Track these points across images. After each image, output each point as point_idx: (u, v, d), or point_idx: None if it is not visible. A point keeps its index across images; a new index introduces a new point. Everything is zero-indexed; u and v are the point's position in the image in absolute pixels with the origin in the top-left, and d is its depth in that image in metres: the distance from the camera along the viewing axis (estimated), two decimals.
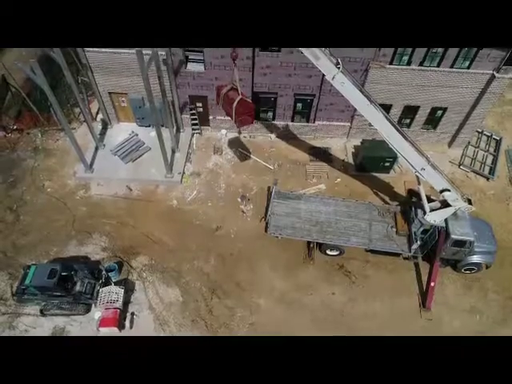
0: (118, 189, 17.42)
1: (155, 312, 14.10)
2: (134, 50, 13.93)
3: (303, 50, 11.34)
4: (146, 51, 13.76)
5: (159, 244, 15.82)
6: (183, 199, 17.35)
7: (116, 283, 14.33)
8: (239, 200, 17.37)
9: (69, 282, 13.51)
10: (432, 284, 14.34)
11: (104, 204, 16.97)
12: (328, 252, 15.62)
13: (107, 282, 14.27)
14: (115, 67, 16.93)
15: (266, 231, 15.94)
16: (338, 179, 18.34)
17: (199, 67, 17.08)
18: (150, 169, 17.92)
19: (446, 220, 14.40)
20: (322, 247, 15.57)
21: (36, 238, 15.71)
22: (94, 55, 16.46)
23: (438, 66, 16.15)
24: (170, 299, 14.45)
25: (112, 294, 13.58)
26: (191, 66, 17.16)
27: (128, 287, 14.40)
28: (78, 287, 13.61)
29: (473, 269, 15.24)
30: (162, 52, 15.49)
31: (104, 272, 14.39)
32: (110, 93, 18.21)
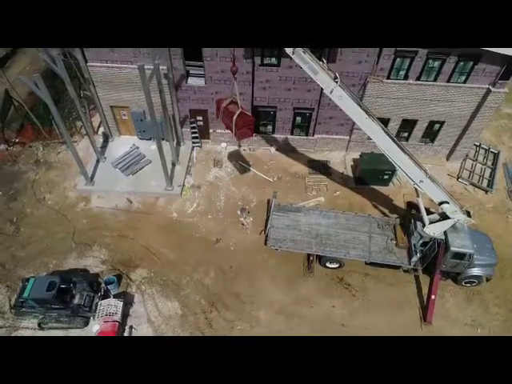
0: (118, 201, 17.48)
1: (154, 325, 13.99)
2: (135, 65, 14.21)
3: (302, 64, 11.59)
4: (148, 66, 14.03)
5: (159, 256, 15.79)
6: (183, 212, 17.39)
7: (115, 296, 14.26)
8: (239, 213, 17.42)
9: (67, 294, 13.46)
10: (433, 297, 14.27)
11: (104, 216, 17.01)
12: (328, 265, 15.59)
13: (106, 295, 14.20)
14: (117, 81, 17.21)
15: (265, 244, 15.93)
16: (338, 192, 18.43)
17: (200, 82, 17.37)
18: (151, 181, 18.02)
19: (445, 232, 14.44)
20: (321, 260, 15.55)
21: (35, 251, 15.70)
22: (96, 70, 16.76)
23: (435, 80, 16.43)
24: (169, 312, 14.35)
25: (111, 306, 13.49)
26: (192, 81, 17.45)
27: (127, 300, 14.32)
28: (76, 300, 13.53)
29: (473, 281, 15.19)
30: (163, 67, 15.78)
31: (103, 285, 14.34)
32: (111, 106, 18.46)
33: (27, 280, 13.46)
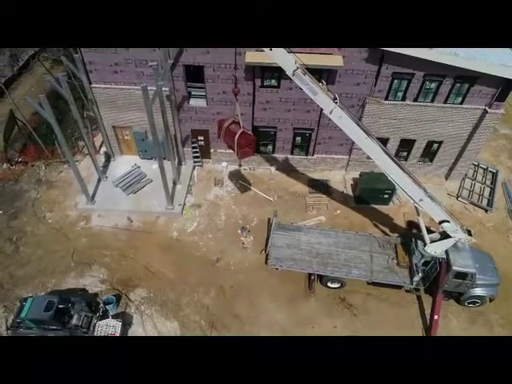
0: (118, 220, 17.48)
1: None
2: (139, 86, 14.53)
3: (302, 85, 11.85)
4: (151, 87, 14.34)
5: (158, 276, 15.67)
6: (183, 231, 17.37)
7: (114, 316, 14.05)
8: (239, 232, 17.40)
9: (65, 315, 13.26)
10: (436, 317, 14.07)
11: (104, 235, 16.97)
12: (329, 284, 15.45)
13: (105, 315, 13.99)
14: (120, 102, 17.54)
15: (266, 263, 15.84)
16: (338, 211, 18.47)
17: (201, 103, 17.70)
18: (151, 200, 18.08)
19: (446, 252, 14.37)
20: (322, 279, 15.42)
21: (34, 270, 15.59)
22: (100, 91, 17.11)
23: (432, 101, 16.75)
24: (168, 333, 14.11)
25: (109, 327, 13.27)
26: (194, 102, 17.78)
27: (125, 320, 14.10)
28: (74, 320, 13.31)
29: (476, 302, 15.01)
30: (165, 88, 16.11)
31: (102, 305, 14.16)
32: (114, 127, 18.74)
33: (25, 300, 13.27)
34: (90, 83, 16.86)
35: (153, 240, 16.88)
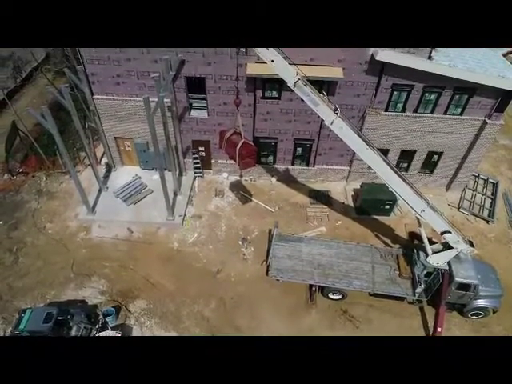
0: (118, 231, 17.42)
1: None
2: (140, 98, 14.64)
3: (303, 96, 11.94)
4: (153, 99, 14.45)
5: (158, 288, 15.53)
6: (184, 242, 17.29)
7: (113, 328, 13.87)
8: (240, 243, 17.32)
9: (64, 326, 13.10)
10: (439, 330, 13.90)
11: (104, 246, 16.88)
12: (330, 296, 15.31)
13: (104, 327, 13.81)
14: (122, 114, 17.66)
15: (267, 274, 15.72)
16: (339, 222, 18.41)
17: (203, 114, 17.81)
18: (152, 211, 18.04)
19: (449, 263, 14.29)
20: (324, 291, 15.29)
21: (33, 281, 15.46)
22: (102, 102, 17.24)
23: (432, 112, 16.87)
24: None
25: None
26: (195, 113, 17.89)
27: (125, 332, 13.93)
28: (73, 332, 13.16)
29: (479, 314, 14.86)
30: (167, 99, 16.23)
31: (101, 316, 14.00)
32: (115, 137, 18.82)
33: (24, 311, 13.14)
34: (93, 94, 16.99)
35: (153, 251, 16.79)
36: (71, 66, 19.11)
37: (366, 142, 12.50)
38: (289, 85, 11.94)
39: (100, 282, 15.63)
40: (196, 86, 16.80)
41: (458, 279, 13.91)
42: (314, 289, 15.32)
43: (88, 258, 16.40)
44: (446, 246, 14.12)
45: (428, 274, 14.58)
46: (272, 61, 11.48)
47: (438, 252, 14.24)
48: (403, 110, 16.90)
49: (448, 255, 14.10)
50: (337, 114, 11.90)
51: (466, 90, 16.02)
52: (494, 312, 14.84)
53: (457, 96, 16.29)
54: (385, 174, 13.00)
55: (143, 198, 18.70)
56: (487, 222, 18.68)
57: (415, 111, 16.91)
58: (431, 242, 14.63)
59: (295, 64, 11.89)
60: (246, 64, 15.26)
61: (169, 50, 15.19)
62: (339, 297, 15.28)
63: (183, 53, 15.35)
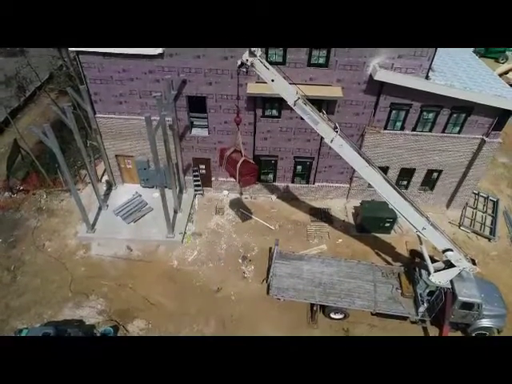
0: (118, 249, 17.30)
1: None
2: (142, 117, 14.82)
3: (303, 115, 12.08)
4: (154, 117, 14.62)
5: (157, 307, 15.31)
6: (184, 260, 17.15)
7: None
8: (240, 261, 17.18)
9: None
10: None
11: (103, 264, 16.73)
12: (332, 315, 15.07)
13: None
14: (124, 132, 17.83)
15: (267, 293, 15.52)
16: (340, 240, 18.32)
17: (203, 132, 17.99)
18: (152, 229, 17.97)
19: (451, 281, 14.14)
20: (325, 310, 15.06)
21: (31, 300, 15.25)
22: (104, 121, 17.43)
23: (430, 131, 17.04)
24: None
25: None
26: (196, 131, 18.08)
27: None
28: None
29: (484, 333, 14.60)
30: (168, 118, 16.42)
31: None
32: (116, 156, 18.94)
33: (20, 331, 12.93)
34: (95, 113, 17.20)
35: (152, 269, 16.63)
36: (74, 86, 19.40)
37: (365, 159, 12.57)
38: (289, 103, 12.11)
39: (98, 301, 15.41)
40: (197, 104, 17.05)
41: (461, 298, 13.73)
42: (315, 308, 15.10)
43: (86, 276, 16.22)
44: (448, 265, 13.99)
45: (430, 293, 14.39)
46: (272, 80, 11.68)
47: (440, 270, 14.11)
48: (402, 128, 17.08)
49: (450, 274, 13.96)
50: (336, 132, 12.02)
51: (463, 109, 16.24)
52: (498, 332, 14.58)
53: (454, 115, 16.50)
54: (385, 191, 13.02)
55: (143, 215, 18.66)
56: (489, 240, 18.59)
57: (414, 130, 17.09)
58: (433, 260, 14.51)
59: (295, 83, 12.11)
60: (246, 84, 15.53)
61: (170, 69, 15.49)
62: (341, 316, 15.05)
63: (185, 72, 15.63)
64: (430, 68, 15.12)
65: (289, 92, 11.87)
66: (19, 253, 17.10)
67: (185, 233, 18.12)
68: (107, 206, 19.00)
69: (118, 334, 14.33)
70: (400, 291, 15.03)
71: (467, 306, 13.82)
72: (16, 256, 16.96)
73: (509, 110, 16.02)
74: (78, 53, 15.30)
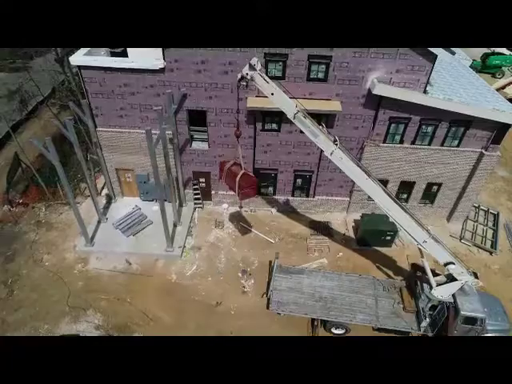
0: (116, 263, 17.15)
1: None
2: (143, 130, 14.90)
3: (303, 128, 12.14)
4: (155, 131, 14.70)
5: (156, 321, 15.07)
6: (183, 274, 16.98)
7: None
8: (240, 275, 17.01)
9: None
10: None
11: (101, 278, 16.56)
12: (333, 330, 14.83)
13: None
14: (124, 146, 17.91)
15: (267, 308, 15.30)
16: (340, 253, 18.19)
17: (203, 146, 18.08)
18: (151, 243, 17.85)
19: (453, 296, 13.96)
20: (326, 325, 14.81)
21: (27, 315, 15.02)
22: (104, 134, 17.53)
23: (429, 144, 17.12)
24: None
25: None
26: (196, 145, 18.16)
27: None
28: None
29: None
30: (169, 132, 16.53)
31: None
32: (116, 169, 18.98)
33: None
34: (96, 127, 17.31)
35: (151, 283, 16.44)
36: (76, 100, 19.60)
37: (365, 172, 12.58)
38: (288, 117, 12.19)
39: (96, 315, 15.18)
40: (197, 118, 17.17)
41: (463, 312, 13.52)
42: (316, 323, 14.87)
43: (84, 290, 16.03)
44: (450, 278, 13.85)
45: (433, 308, 14.20)
46: (272, 94, 11.79)
47: (442, 284, 13.95)
48: (401, 141, 17.16)
49: (452, 287, 13.80)
50: (336, 144, 12.06)
51: (461, 123, 16.36)
52: None
53: (453, 128, 16.61)
54: (385, 204, 12.98)
55: (143, 229, 18.57)
56: (490, 253, 18.46)
57: (413, 143, 17.17)
58: (434, 274, 14.37)
59: (295, 98, 12.22)
60: (246, 98, 15.68)
61: (171, 83, 15.66)
62: (342, 331, 14.80)
63: (185, 87, 15.80)
64: (427, 82, 15.30)
65: (288, 105, 11.97)
66: (17, 267, 16.94)
67: (184, 246, 18.00)
68: (106, 219, 18.92)
69: None
70: (402, 306, 14.83)
71: (470, 320, 13.60)
72: (13, 270, 16.79)
73: (507, 124, 16.15)
74: (80, 67, 15.49)
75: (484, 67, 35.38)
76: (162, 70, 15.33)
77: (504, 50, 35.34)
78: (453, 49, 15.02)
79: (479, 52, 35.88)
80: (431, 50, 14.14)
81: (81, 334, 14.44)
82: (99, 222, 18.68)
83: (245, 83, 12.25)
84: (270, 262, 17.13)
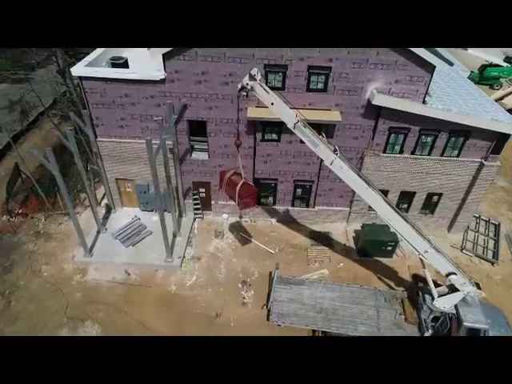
0: (115, 273, 17.01)
1: None
2: (143, 140, 14.94)
3: (303, 138, 12.19)
4: (155, 141, 14.73)
5: (153, 333, 14.83)
6: (182, 284, 16.82)
7: None
8: (240, 285, 16.85)
9: None
10: None
11: (100, 289, 16.39)
12: None
13: None
14: (124, 156, 17.93)
15: (267, 319, 15.12)
16: (341, 264, 18.05)
17: (203, 156, 18.10)
18: (150, 253, 17.73)
19: (456, 307, 13.81)
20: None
21: (24, 326, 14.81)
22: (105, 145, 17.57)
23: (429, 154, 17.14)
24: None
25: None
26: (196, 155, 18.19)
27: None
28: None
29: None
30: (169, 142, 16.57)
31: None
32: (116, 179, 18.97)
33: None
34: (96, 137, 17.36)
35: (150, 294, 16.27)
36: (77, 111, 19.70)
37: (365, 181, 12.57)
38: (289, 126, 12.24)
39: (94, 327, 14.98)
40: (197, 128, 17.24)
41: (466, 324, 13.35)
42: (317, 335, 14.67)
43: (83, 301, 15.85)
44: (452, 289, 13.73)
45: (435, 319, 14.06)
46: (272, 103, 11.86)
47: (444, 295, 13.83)
48: (401, 151, 17.20)
49: (455, 298, 13.68)
50: (336, 154, 12.08)
51: (461, 133, 16.41)
52: None
53: (452, 139, 16.65)
54: (386, 213, 12.95)
55: (142, 239, 18.47)
56: (492, 264, 18.33)
57: (413, 153, 17.20)
58: (436, 285, 14.25)
59: (295, 108, 12.27)
60: (246, 108, 15.76)
61: (172, 94, 15.76)
62: None
63: (186, 97, 15.90)
64: (426, 93, 15.40)
65: (288, 115, 12.03)
66: (14, 277, 16.79)
67: (184, 257, 17.87)
68: (106, 229, 18.84)
69: None
70: (404, 317, 14.68)
71: (473, 332, 13.42)
72: (11, 281, 16.64)
73: (506, 134, 16.20)
74: (81, 78, 15.61)
75: (482, 79, 35.73)
76: (162, 81, 15.45)
77: (501, 62, 35.72)
78: (451, 60, 15.21)
79: (477, 64, 36.28)
80: (430, 60, 14.25)
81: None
82: (98, 233, 18.59)
83: (245, 93, 12.34)
84: (270, 272, 16.99)
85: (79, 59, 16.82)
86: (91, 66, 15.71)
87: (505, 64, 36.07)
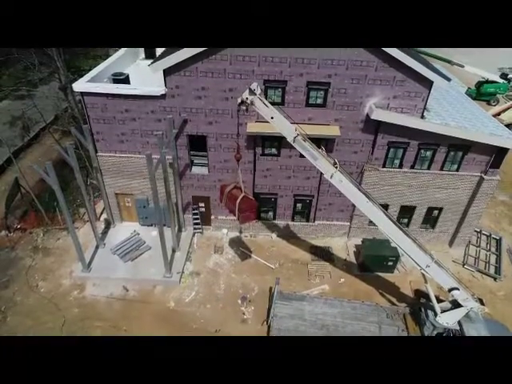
0: (113, 289, 16.78)
1: None
2: (143, 155, 14.98)
3: (303, 151, 12.21)
4: (155, 156, 14.78)
5: None
6: (181, 300, 16.57)
7: None
8: (239, 301, 16.61)
9: None
10: None
11: (98, 305, 16.14)
12: None
13: None
14: (124, 170, 17.95)
15: (268, 336, 14.84)
16: (342, 279, 17.84)
17: (203, 170, 18.13)
18: (149, 268, 17.54)
19: (459, 323, 13.58)
20: None
21: None
22: (105, 159, 17.62)
23: (429, 168, 17.17)
24: None
25: None
26: (196, 170, 18.21)
27: None
28: None
29: None
30: (169, 156, 16.62)
31: None
32: (116, 194, 18.94)
33: None
34: (97, 152, 17.42)
35: (148, 310, 16.01)
36: (78, 127, 19.84)
37: (366, 195, 12.54)
38: (288, 140, 12.28)
39: None
40: (197, 143, 17.32)
41: None
42: None
43: (80, 317, 15.59)
44: (455, 304, 13.53)
45: (438, 335, 13.77)
46: (272, 118, 11.94)
47: (447, 311, 13.62)
48: (400, 166, 17.23)
49: (458, 314, 13.46)
50: (336, 167, 12.09)
51: (460, 147, 16.48)
52: None
53: (452, 153, 16.72)
54: (387, 227, 12.85)
55: (141, 254, 18.31)
56: (494, 279, 18.13)
57: (412, 167, 17.23)
58: (439, 300, 14.04)
59: (294, 123, 12.36)
60: (246, 123, 15.88)
61: (172, 109, 15.90)
62: None
63: (186, 112, 16.03)
64: (424, 108, 15.55)
65: (288, 129, 12.09)
66: (11, 293, 16.56)
67: (183, 272, 17.68)
68: (104, 244, 18.70)
69: None
70: (406, 333, 14.40)
71: None
72: (8, 296, 16.40)
73: (505, 148, 16.28)
74: (82, 94, 15.78)
75: (479, 95, 36.17)
76: (163, 96, 15.61)
77: (497, 78, 36.26)
78: (448, 76, 15.41)
79: (473, 80, 36.81)
80: (427, 76, 14.44)
81: None
82: (97, 248, 18.44)
83: (245, 107, 12.44)
84: (271, 288, 16.78)
85: (81, 75, 17.03)
86: (93, 81, 15.90)
87: (501, 80, 36.60)
